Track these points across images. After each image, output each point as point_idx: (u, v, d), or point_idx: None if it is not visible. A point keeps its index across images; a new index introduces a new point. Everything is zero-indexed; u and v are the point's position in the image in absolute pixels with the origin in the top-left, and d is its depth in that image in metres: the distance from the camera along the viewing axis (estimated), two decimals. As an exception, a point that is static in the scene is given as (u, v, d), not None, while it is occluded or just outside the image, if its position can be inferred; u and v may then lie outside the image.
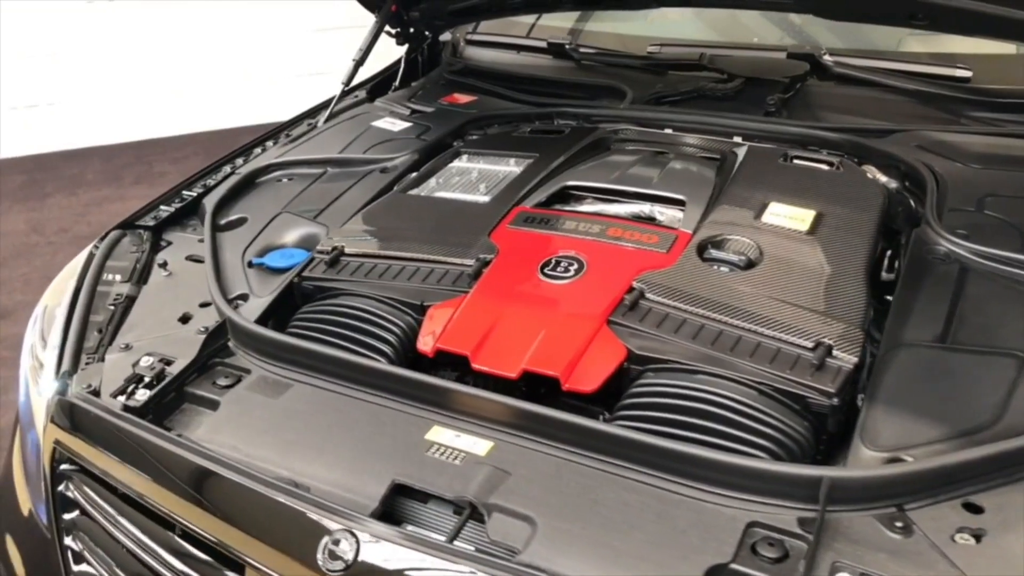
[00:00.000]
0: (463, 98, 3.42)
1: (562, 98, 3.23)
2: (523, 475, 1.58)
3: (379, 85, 3.66)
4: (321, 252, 2.31)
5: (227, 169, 2.93)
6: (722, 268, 2.08)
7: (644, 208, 2.42)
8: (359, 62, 3.43)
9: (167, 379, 1.88)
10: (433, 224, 2.38)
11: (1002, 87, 2.86)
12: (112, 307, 2.19)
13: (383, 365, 1.92)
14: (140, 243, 2.51)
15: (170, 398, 1.88)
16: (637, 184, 2.46)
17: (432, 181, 2.70)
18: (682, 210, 2.35)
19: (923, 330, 1.76)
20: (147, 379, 1.86)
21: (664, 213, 2.39)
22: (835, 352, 1.69)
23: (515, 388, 1.89)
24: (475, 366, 1.89)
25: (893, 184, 2.43)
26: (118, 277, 2.34)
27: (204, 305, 2.18)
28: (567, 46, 3.57)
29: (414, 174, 2.77)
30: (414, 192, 2.63)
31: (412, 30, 3.70)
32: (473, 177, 2.68)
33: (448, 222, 2.38)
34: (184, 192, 2.78)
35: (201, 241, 2.47)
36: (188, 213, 2.70)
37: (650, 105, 3.08)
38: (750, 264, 2.06)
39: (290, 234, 2.49)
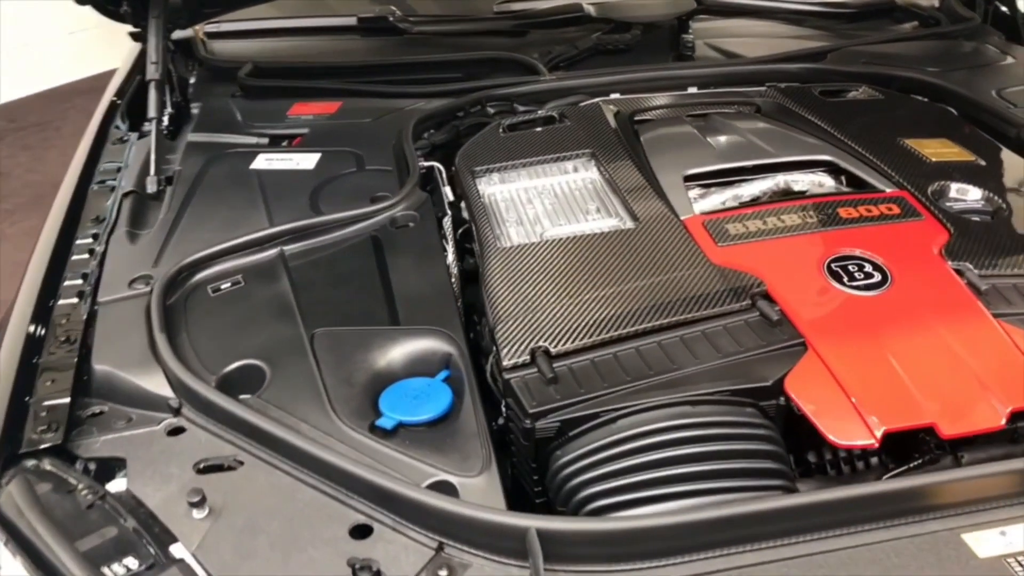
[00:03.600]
0: (314, 107, 2.43)
1: (442, 82, 2.51)
2: None
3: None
4: (510, 370, 1.43)
5: None
6: (975, 217, 1.81)
7: (778, 180, 1.98)
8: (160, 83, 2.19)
9: None
10: (618, 271, 1.63)
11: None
12: None
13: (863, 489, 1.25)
14: None
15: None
16: (752, 155, 2.01)
17: (502, 225, 1.86)
18: (824, 172, 1.99)
19: None
20: None
21: (802, 180, 1.99)
22: None
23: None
24: (946, 433, 1.35)
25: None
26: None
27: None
28: (392, 19, 2.78)
29: (449, 219, 1.90)
30: (523, 242, 1.78)
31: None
32: (548, 202, 1.93)
33: (635, 263, 1.65)
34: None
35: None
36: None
37: (589, 71, 2.55)
38: (998, 209, 1.83)
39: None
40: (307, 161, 2.12)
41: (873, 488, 1.26)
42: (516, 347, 1.48)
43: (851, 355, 1.45)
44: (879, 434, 1.33)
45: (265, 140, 2.27)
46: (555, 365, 1.46)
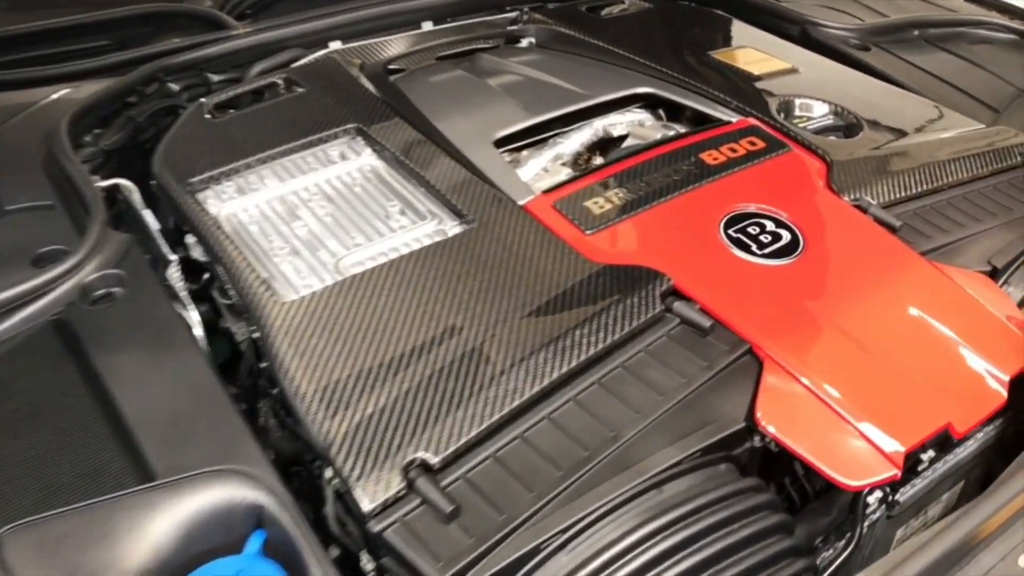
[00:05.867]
0: None
1: (89, 55, 1.73)
2: None
3: None
4: (379, 515, 0.89)
5: None
6: (832, 135, 1.54)
7: (596, 127, 1.57)
8: None
9: None
10: (475, 302, 1.11)
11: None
12: None
13: None
14: None
15: None
16: (562, 101, 1.56)
17: (268, 262, 1.22)
18: (638, 107, 1.61)
19: None
20: None
21: (621, 122, 1.59)
22: None
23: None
24: (961, 430, 1.04)
25: None
26: None
27: None
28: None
29: (176, 267, 1.21)
30: (313, 286, 1.15)
31: None
32: (323, 211, 1.31)
33: (491, 284, 1.14)
34: None
35: None
36: None
37: (291, 17, 1.90)
38: (850, 123, 1.57)
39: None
40: None
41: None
42: (376, 473, 0.92)
43: (817, 355, 1.09)
44: (901, 460, 0.99)
45: None
46: (445, 485, 0.92)
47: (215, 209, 1.30)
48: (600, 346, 1.06)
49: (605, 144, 1.60)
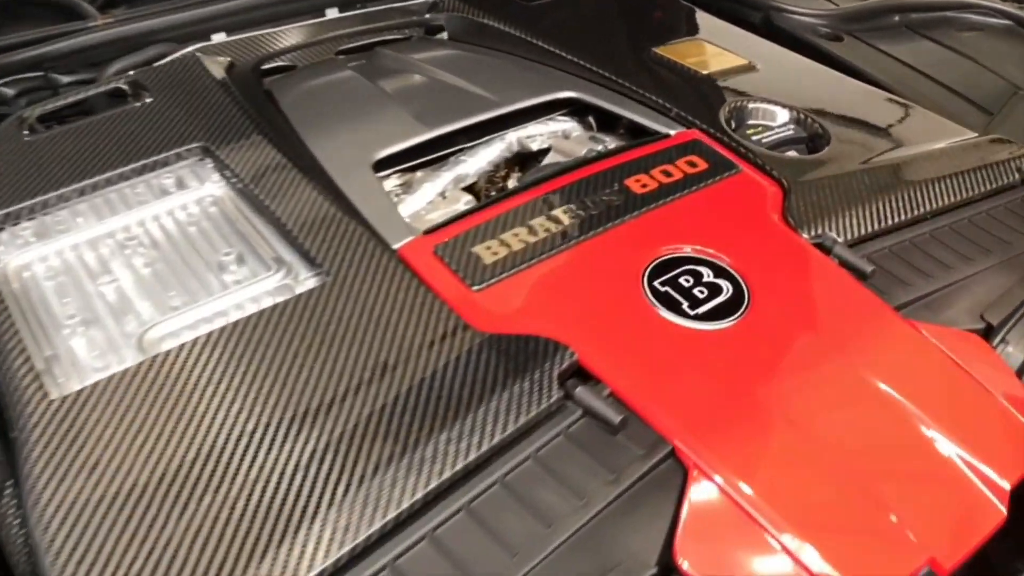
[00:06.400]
0: None
1: None
2: None
3: None
4: None
5: None
6: (791, 150, 1.28)
7: (510, 140, 1.29)
8: None
9: None
10: (316, 398, 0.84)
11: None
12: None
13: None
14: None
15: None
16: (466, 109, 1.28)
17: (52, 338, 0.94)
18: (562, 115, 1.34)
19: None
20: None
21: (541, 133, 1.32)
22: None
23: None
24: (948, 566, 0.79)
25: None
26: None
27: None
28: None
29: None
30: (106, 370, 0.87)
31: None
32: (142, 262, 1.03)
33: (339, 370, 0.87)
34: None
35: None
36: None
37: (168, 3, 1.60)
38: (814, 133, 1.30)
39: None
40: None
41: None
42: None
43: (761, 463, 0.83)
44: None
45: None
46: None
47: (3, 260, 1.02)
48: (472, 455, 0.80)
49: (525, 160, 1.33)
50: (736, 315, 0.96)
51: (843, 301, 1.00)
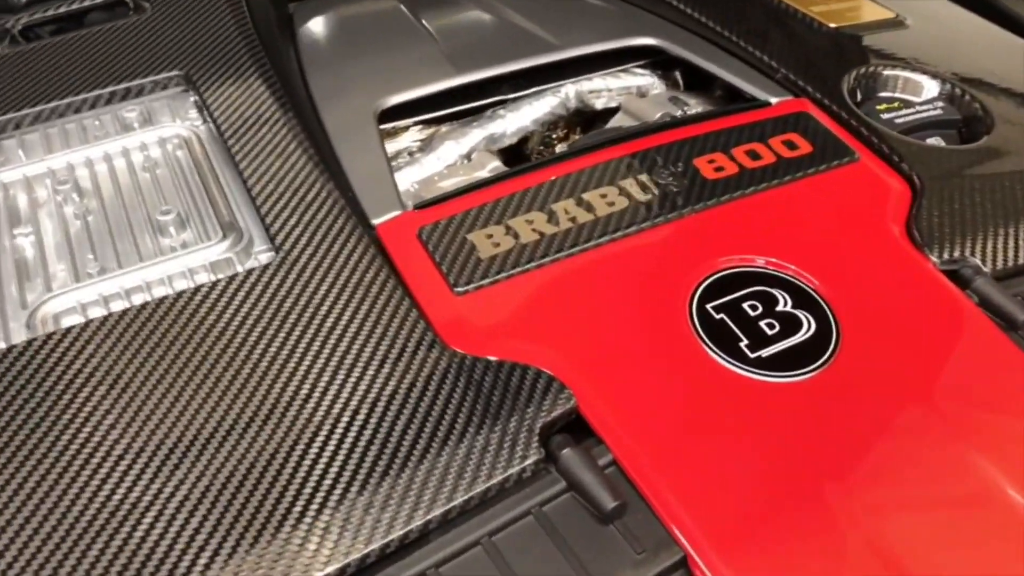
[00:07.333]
0: None
1: None
2: None
3: None
4: None
5: None
6: (934, 137, 0.95)
7: (566, 93, 1.03)
8: None
9: None
10: (232, 419, 0.63)
11: None
12: None
13: None
14: None
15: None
16: (516, 50, 1.03)
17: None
18: (642, 68, 1.06)
19: None
20: None
21: (610, 88, 1.05)
22: None
23: None
24: None
25: None
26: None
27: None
28: None
29: None
30: None
31: None
32: (77, 215, 0.84)
33: (265, 382, 0.65)
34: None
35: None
36: None
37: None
38: (969, 116, 0.97)
39: None
40: None
41: None
42: None
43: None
44: None
45: None
46: None
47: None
48: (396, 533, 0.57)
49: (591, 122, 1.07)
50: (816, 365, 0.68)
51: (979, 360, 0.70)
